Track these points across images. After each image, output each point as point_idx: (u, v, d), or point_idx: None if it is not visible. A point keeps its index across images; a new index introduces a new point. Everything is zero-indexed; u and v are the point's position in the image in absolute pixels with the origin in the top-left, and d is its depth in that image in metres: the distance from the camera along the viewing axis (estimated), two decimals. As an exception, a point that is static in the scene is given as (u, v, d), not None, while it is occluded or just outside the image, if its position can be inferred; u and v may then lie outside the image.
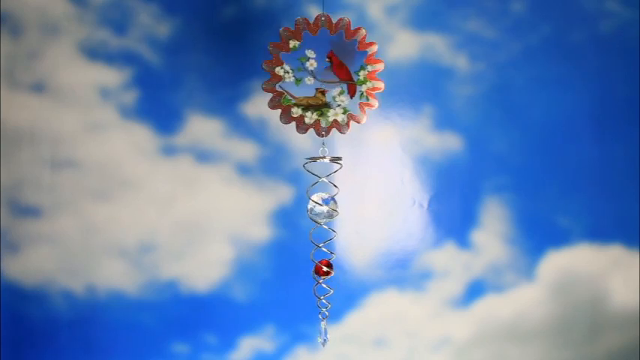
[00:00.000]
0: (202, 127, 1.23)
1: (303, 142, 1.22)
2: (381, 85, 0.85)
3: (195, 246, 1.25)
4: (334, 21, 0.86)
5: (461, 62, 1.25)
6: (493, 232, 1.26)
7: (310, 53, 0.84)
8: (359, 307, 1.25)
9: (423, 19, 1.24)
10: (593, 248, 1.26)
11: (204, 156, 1.24)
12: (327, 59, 0.83)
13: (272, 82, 0.85)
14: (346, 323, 1.25)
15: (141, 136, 1.23)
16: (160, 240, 1.24)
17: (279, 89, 0.85)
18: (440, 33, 1.24)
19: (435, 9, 1.25)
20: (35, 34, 1.22)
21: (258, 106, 1.23)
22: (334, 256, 0.91)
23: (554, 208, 1.26)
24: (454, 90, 1.25)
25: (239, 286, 1.25)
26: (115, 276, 1.24)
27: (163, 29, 1.23)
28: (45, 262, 1.23)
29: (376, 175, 1.26)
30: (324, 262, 0.90)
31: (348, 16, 0.87)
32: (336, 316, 1.24)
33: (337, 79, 0.83)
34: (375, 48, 0.85)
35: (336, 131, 0.87)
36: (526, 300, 1.26)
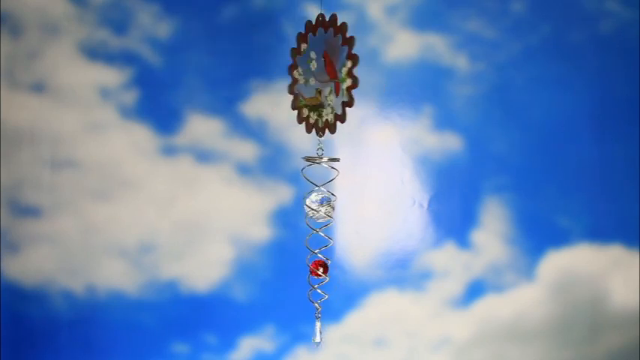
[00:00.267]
0: (202, 127, 1.23)
1: (303, 142, 1.22)
2: (356, 82, 0.81)
3: (195, 246, 1.25)
4: (327, 19, 0.85)
5: (461, 62, 1.25)
6: (493, 232, 1.26)
7: (312, 54, 0.84)
8: (359, 307, 1.25)
9: (423, 19, 1.24)
10: (593, 248, 1.26)
11: (204, 156, 1.24)
12: (322, 58, 0.83)
13: (293, 84, 0.86)
14: (346, 323, 1.25)
15: (141, 136, 1.23)
16: (160, 240, 1.24)
17: (297, 91, 0.86)
18: (440, 33, 1.24)
19: (435, 9, 1.25)
20: (35, 34, 1.22)
21: (258, 106, 1.23)
22: (329, 262, 0.90)
23: (554, 208, 1.26)
24: (454, 90, 1.25)
25: (239, 286, 1.25)
26: (115, 276, 1.24)
27: (163, 29, 1.23)
28: (45, 262, 1.23)
29: (376, 175, 1.26)
30: (319, 262, 0.89)
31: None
32: (336, 316, 1.24)
33: (328, 78, 0.83)
34: (353, 42, 0.80)
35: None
36: (526, 300, 1.26)
